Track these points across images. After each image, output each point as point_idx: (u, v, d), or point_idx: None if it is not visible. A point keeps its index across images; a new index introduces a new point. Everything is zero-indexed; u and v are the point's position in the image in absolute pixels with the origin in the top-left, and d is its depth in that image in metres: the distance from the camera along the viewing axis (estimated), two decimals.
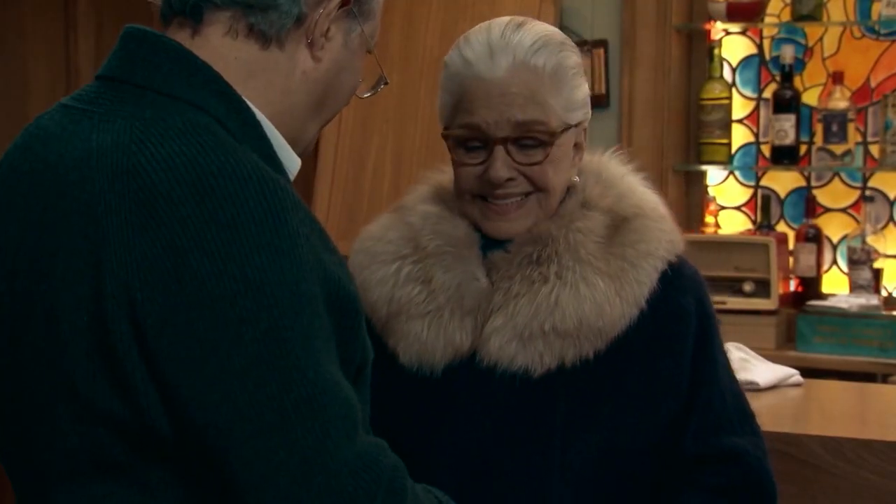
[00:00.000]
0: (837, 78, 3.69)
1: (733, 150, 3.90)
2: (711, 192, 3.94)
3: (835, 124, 3.65)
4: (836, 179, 3.83)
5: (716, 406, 1.68)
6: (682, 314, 1.67)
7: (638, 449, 1.65)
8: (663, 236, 1.68)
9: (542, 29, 1.68)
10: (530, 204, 1.67)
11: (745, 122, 3.94)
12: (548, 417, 1.62)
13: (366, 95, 1.48)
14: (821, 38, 3.84)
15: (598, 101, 3.87)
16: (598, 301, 1.62)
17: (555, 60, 1.65)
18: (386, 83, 1.48)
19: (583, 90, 1.70)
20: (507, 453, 1.62)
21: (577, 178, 1.71)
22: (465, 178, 1.68)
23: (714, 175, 3.94)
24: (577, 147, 1.71)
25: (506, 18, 1.69)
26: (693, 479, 1.67)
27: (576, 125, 1.69)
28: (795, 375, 2.44)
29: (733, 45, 3.94)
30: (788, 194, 3.90)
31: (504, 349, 1.62)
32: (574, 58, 1.69)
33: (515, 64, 1.63)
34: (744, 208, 3.95)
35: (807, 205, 3.78)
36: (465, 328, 1.65)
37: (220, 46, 1.30)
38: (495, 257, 1.67)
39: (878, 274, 3.63)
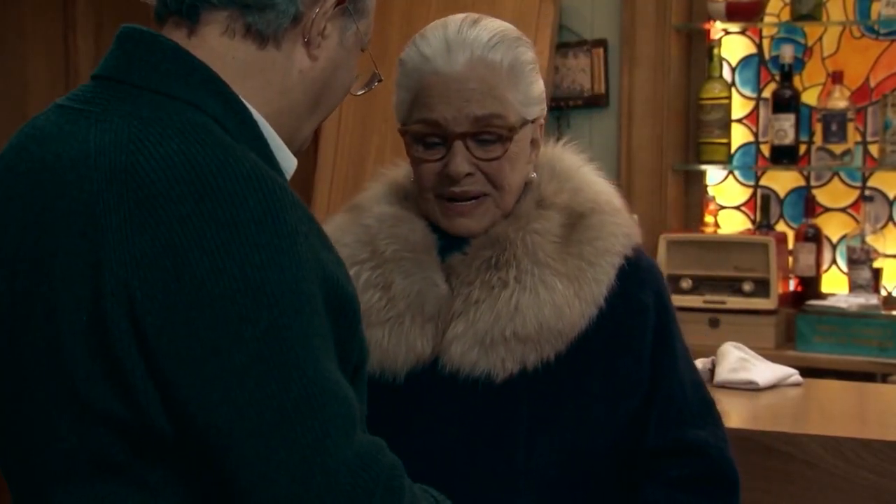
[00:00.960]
0: (837, 77, 3.69)
1: (733, 149, 3.90)
2: (711, 191, 3.94)
3: (834, 124, 3.65)
4: (836, 179, 3.83)
5: (676, 399, 1.68)
6: (640, 308, 1.68)
7: (601, 448, 1.65)
8: (619, 230, 1.68)
9: (498, 25, 1.69)
10: (487, 204, 1.67)
11: (745, 121, 3.94)
12: (511, 421, 1.62)
13: (360, 93, 1.48)
14: (820, 38, 3.84)
15: (598, 101, 3.87)
16: (557, 304, 1.62)
17: (511, 56, 1.66)
18: (380, 80, 1.48)
19: (539, 86, 1.71)
20: (471, 458, 1.62)
21: (534, 175, 1.72)
22: (424, 176, 1.67)
23: (713, 175, 3.94)
24: (534, 144, 1.72)
25: (461, 15, 1.70)
26: (655, 472, 1.67)
27: (532, 121, 1.69)
28: (795, 375, 2.44)
29: (733, 45, 3.94)
30: (788, 194, 3.90)
31: (466, 355, 1.62)
32: (530, 54, 1.70)
33: (473, 59, 1.64)
34: (743, 208, 3.95)
35: (806, 204, 3.78)
36: (426, 335, 1.64)
37: (218, 46, 1.29)
38: (454, 262, 1.67)
39: (877, 273, 3.63)
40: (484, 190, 1.66)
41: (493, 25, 1.68)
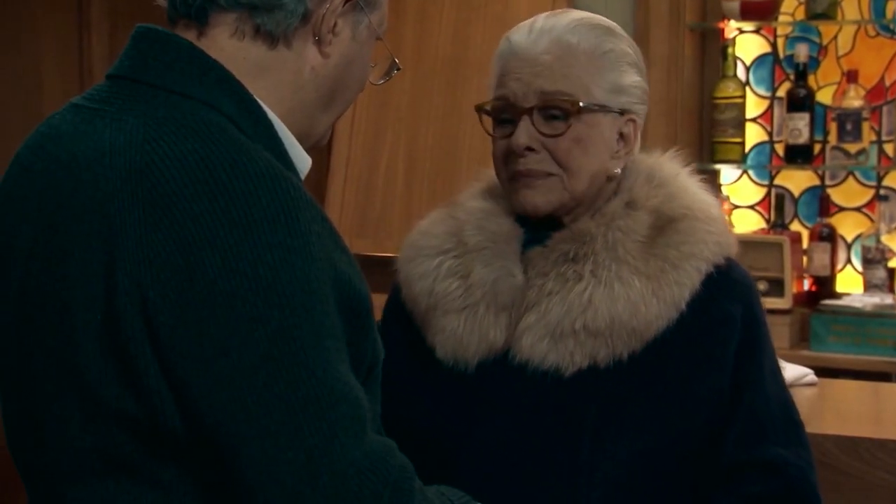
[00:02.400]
0: (852, 76, 3.68)
1: (747, 148, 3.89)
2: (725, 191, 3.93)
3: (849, 123, 3.63)
4: (851, 178, 3.82)
5: (759, 413, 1.63)
6: (726, 319, 1.64)
7: (671, 454, 1.61)
8: (710, 238, 1.65)
9: (589, 15, 1.70)
10: (552, 182, 1.65)
11: (759, 120, 3.93)
12: (578, 418, 1.60)
13: (380, 82, 1.48)
14: (835, 37, 3.83)
15: None
16: (632, 300, 1.59)
17: (593, 41, 1.66)
18: (398, 69, 1.48)
19: (631, 78, 1.69)
20: (534, 452, 1.60)
21: (617, 171, 1.68)
22: (497, 154, 1.68)
23: (727, 174, 3.93)
24: (623, 139, 1.69)
25: (559, 10, 1.72)
26: (731, 486, 1.62)
27: (619, 112, 1.67)
28: (810, 375, 2.43)
29: (747, 44, 3.93)
30: (802, 193, 3.89)
31: (536, 347, 1.61)
32: (621, 46, 1.69)
33: (550, 40, 1.65)
34: (757, 207, 3.94)
35: (821, 204, 3.76)
36: (499, 324, 1.64)
37: (228, 48, 1.30)
38: (533, 253, 1.66)
39: (892, 273, 3.61)
40: (549, 170, 1.64)
41: (580, 14, 1.70)
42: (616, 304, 1.59)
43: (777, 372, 1.70)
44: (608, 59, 1.67)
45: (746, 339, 1.65)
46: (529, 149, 1.64)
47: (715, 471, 1.62)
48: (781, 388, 1.69)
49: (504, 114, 1.67)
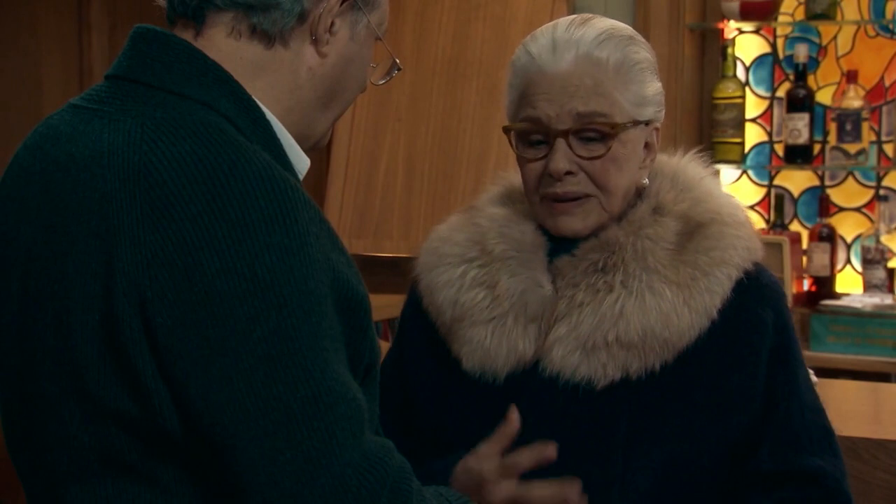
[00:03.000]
0: (851, 77, 3.68)
1: (747, 149, 3.89)
2: (725, 191, 3.92)
3: (849, 123, 3.63)
4: (850, 178, 3.82)
5: (794, 422, 1.61)
6: (757, 324, 1.61)
7: (704, 464, 1.58)
8: (739, 243, 1.62)
9: (609, 24, 1.66)
10: (591, 204, 1.62)
11: (759, 121, 3.93)
12: (610, 431, 1.57)
13: (381, 82, 1.47)
14: (835, 37, 3.83)
15: None
16: (664, 311, 1.56)
17: (620, 54, 1.62)
18: (399, 69, 1.47)
19: (654, 87, 1.67)
20: (566, 465, 1.53)
21: (646, 181, 1.67)
22: (528, 176, 1.64)
23: (727, 174, 3.93)
24: (648, 148, 1.67)
25: (574, 16, 1.67)
26: (764, 495, 1.59)
27: (646, 123, 1.65)
28: (810, 375, 2.43)
29: (747, 44, 3.93)
30: (802, 193, 3.89)
31: (567, 359, 1.58)
32: (643, 53, 1.66)
33: (578, 56, 1.60)
34: (757, 207, 3.94)
35: (820, 204, 3.76)
36: (528, 336, 1.61)
37: (225, 47, 1.29)
38: (561, 263, 1.63)
39: (892, 273, 3.61)
40: (587, 191, 1.61)
41: (603, 24, 1.65)
42: (648, 315, 1.56)
43: (808, 379, 1.67)
44: (634, 71, 1.64)
45: (778, 346, 1.62)
46: (569, 173, 1.60)
47: (749, 480, 1.60)
48: (815, 396, 1.66)
49: (535, 135, 1.63)
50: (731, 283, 1.60)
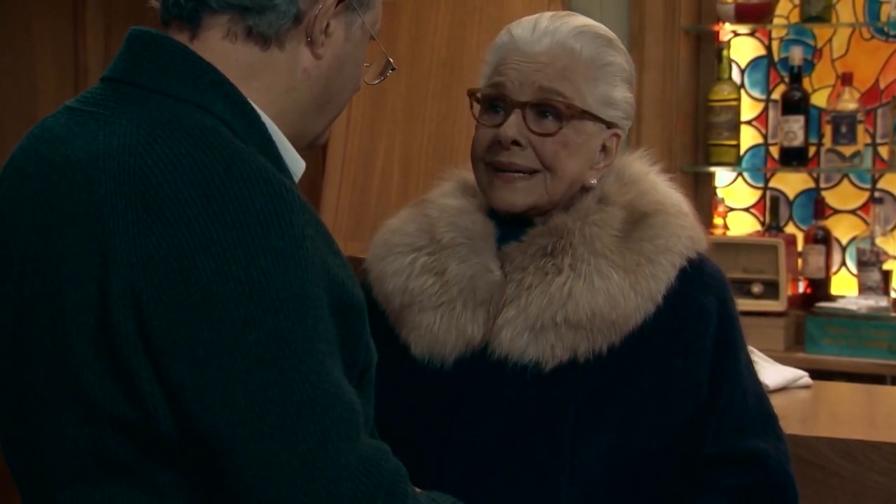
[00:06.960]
0: (846, 79, 3.69)
1: (742, 151, 3.89)
2: (720, 193, 3.93)
3: (844, 126, 3.64)
4: (845, 181, 3.82)
5: (737, 407, 1.65)
6: (701, 312, 1.65)
7: (651, 449, 1.62)
8: (683, 232, 1.66)
9: (592, 23, 1.71)
10: (534, 181, 1.65)
11: (754, 123, 3.93)
12: (559, 414, 1.60)
13: (375, 82, 1.47)
14: (830, 40, 3.83)
15: None
16: (611, 293, 1.60)
17: (594, 51, 1.66)
18: (393, 69, 1.48)
19: (622, 93, 1.69)
20: (515, 449, 1.60)
21: (593, 182, 1.69)
22: (478, 140, 1.69)
23: (722, 176, 3.94)
24: (605, 151, 1.69)
25: (563, 11, 1.73)
26: (711, 479, 1.63)
27: (607, 125, 1.68)
28: (804, 377, 2.43)
29: (742, 47, 3.93)
30: (797, 196, 3.89)
31: (515, 341, 1.60)
32: (619, 59, 1.69)
33: (554, 42, 1.65)
34: (752, 210, 3.94)
35: (816, 206, 3.77)
36: (476, 320, 1.63)
37: (220, 49, 1.29)
38: (509, 248, 1.66)
39: (887, 276, 3.62)
40: (532, 165, 1.65)
41: (585, 21, 1.70)
42: (596, 297, 1.60)
43: (750, 365, 1.71)
44: (606, 72, 1.67)
45: (722, 333, 1.66)
46: (516, 143, 1.64)
47: (693, 464, 1.63)
48: (756, 382, 1.71)
49: (496, 102, 1.67)
50: (674, 271, 1.64)
